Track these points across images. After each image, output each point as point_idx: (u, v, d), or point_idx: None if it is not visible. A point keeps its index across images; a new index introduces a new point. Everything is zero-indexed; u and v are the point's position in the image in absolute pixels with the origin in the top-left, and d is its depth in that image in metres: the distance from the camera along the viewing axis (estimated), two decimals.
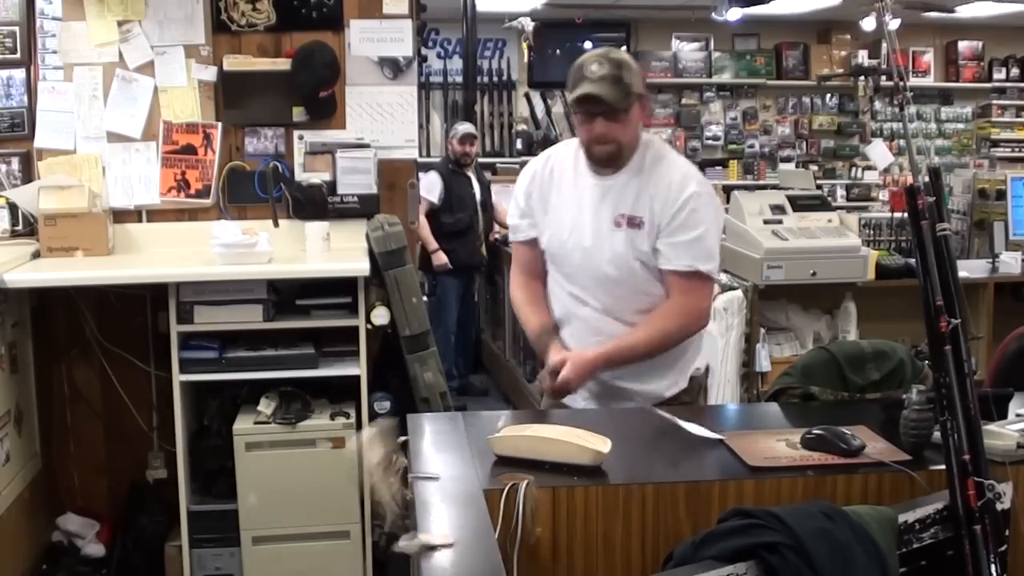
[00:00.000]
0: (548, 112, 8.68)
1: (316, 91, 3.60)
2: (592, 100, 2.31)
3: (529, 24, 8.00)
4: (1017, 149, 9.37)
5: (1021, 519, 1.81)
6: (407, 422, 2.21)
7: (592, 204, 2.44)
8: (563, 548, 1.79)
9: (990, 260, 4.70)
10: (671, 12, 8.60)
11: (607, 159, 2.40)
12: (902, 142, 8.63)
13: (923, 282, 1.81)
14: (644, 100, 2.40)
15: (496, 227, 6.38)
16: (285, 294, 3.40)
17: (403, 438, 2.02)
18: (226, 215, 3.66)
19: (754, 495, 1.82)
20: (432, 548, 1.50)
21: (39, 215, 3.42)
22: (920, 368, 2.22)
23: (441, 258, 6.12)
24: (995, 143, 9.40)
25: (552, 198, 2.50)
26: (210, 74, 3.62)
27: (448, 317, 6.32)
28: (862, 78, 8.99)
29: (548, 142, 7.57)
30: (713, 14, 7.63)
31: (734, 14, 7.23)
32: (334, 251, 3.48)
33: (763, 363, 4.10)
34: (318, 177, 3.63)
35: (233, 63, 3.62)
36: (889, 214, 5.20)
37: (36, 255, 3.41)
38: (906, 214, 2.05)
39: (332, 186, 3.62)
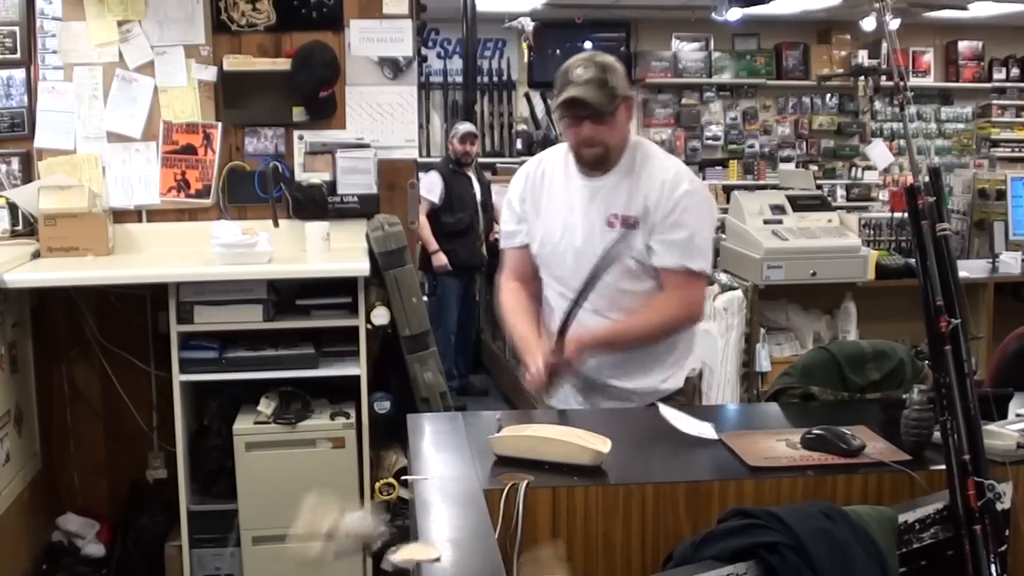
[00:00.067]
0: (548, 112, 8.66)
1: (316, 91, 3.60)
2: (578, 104, 2.34)
3: (529, 24, 8.00)
4: (1017, 149, 9.36)
5: (1021, 519, 1.81)
6: (407, 422, 2.21)
7: (583, 205, 2.45)
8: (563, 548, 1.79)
9: (990, 260, 4.71)
10: (671, 12, 8.60)
11: (595, 162, 2.43)
12: (902, 142, 8.62)
13: (923, 282, 1.81)
14: (630, 101, 2.44)
15: (496, 227, 6.38)
16: (285, 294, 3.40)
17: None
18: (226, 215, 3.66)
19: (754, 495, 1.82)
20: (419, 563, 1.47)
21: (39, 215, 3.42)
22: (920, 368, 2.22)
23: (441, 259, 6.12)
24: (995, 143, 9.40)
25: (543, 201, 2.52)
26: (210, 74, 3.62)
27: (448, 317, 6.32)
28: (862, 78, 8.99)
29: (548, 142, 7.56)
30: (713, 14, 7.62)
31: (734, 14, 7.22)
32: (334, 251, 3.48)
33: (763, 363, 4.11)
34: (318, 177, 3.63)
35: (233, 63, 3.62)
36: (889, 214, 5.21)
37: (36, 255, 3.41)
38: (906, 214, 2.05)
39: (332, 186, 3.62)
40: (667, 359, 2.53)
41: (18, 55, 3.61)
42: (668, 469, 1.96)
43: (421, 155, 5.09)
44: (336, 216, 3.59)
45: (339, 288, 3.33)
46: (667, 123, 9.08)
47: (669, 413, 2.12)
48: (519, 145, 8.44)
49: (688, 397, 2.59)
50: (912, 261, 2.68)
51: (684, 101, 9.11)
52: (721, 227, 4.86)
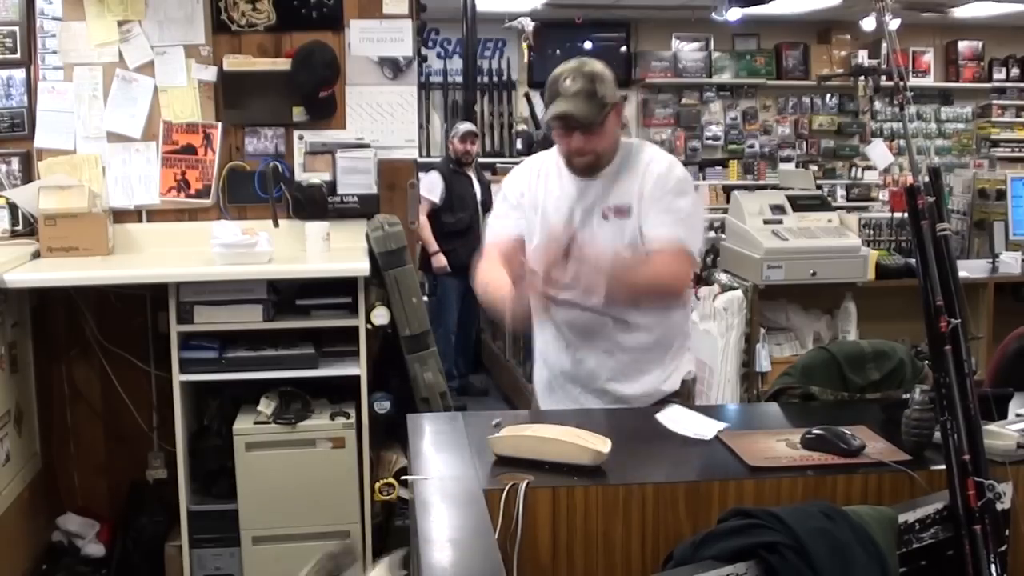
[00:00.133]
0: None
1: (316, 91, 3.60)
2: (567, 117, 2.37)
3: (529, 24, 8.00)
4: (1017, 149, 9.36)
5: (1021, 519, 1.81)
6: (407, 422, 2.21)
7: (578, 201, 2.47)
8: (563, 548, 1.79)
9: (990, 260, 4.70)
10: (671, 12, 8.60)
11: (586, 169, 2.46)
12: (902, 142, 8.61)
13: (923, 282, 1.81)
14: (620, 107, 2.46)
15: None
16: (285, 294, 3.40)
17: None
18: (226, 215, 3.66)
19: (754, 495, 1.82)
20: None
21: (39, 215, 3.42)
22: (920, 368, 2.22)
23: (440, 260, 6.12)
24: (995, 143, 9.40)
25: (540, 199, 2.54)
26: (210, 74, 3.62)
27: (448, 317, 6.31)
28: (862, 78, 8.99)
29: (548, 142, 7.50)
30: (713, 14, 7.62)
31: (734, 14, 7.22)
32: (334, 251, 3.48)
33: (763, 363, 4.10)
34: (318, 177, 3.63)
35: (233, 63, 3.62)
36: (889, 214, 5.20)
37: (36, 255, 3.41)
38: (906, 214, 2.05)
39: (332, 186, 3.62)
40: (664, 359, 2.53)
41: (18, 55, 3.61)
42: (668, 469, 1.96)
43: (421, 155, 5.08)
44: (336, 216, 3.59)
45: (339, 288, 3.33)
46: (667, 123, 9.07)
47: (667, 418, 2.13)
48: (519, 145, 8.44)
49: (683, 400, 2.59)
50: (912, 261, 2.68)
51: (684, 101, 9.11)
52: (721, 227, 4.87)
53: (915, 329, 2.13)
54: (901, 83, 2.31)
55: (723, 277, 4.40)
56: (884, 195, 8.94)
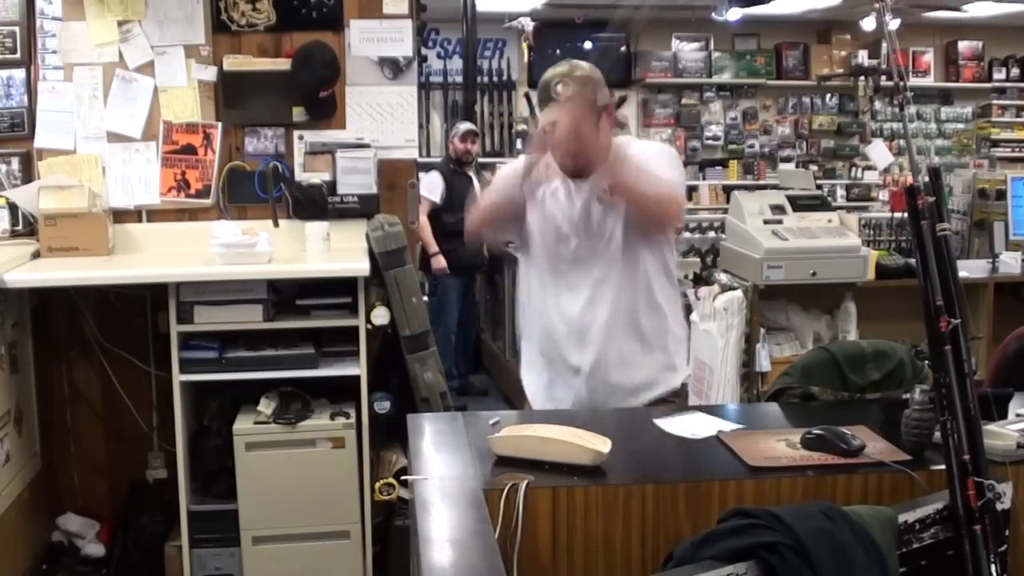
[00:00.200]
0: None
1: (316, 91, 3.60)
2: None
3: (529, 24, 8.00)
4: (1017, 149, 9.37)
5: (1021, 519, 1.81)
6: (407, 422, 2.21)
7: (575, 191, 2.49)
8: (563, 548, 1.79)
9: (990, 260, 4.70)
10: (671, 12, 8.59)
11: (578, 172, 2.46)
12: (902, 142, 8.62)
13: (923, 282, 1.80)
14: (611, 108, 2.48)
15: None
16: (285, 294, 3.40)
17: None
18: (226, 215, 3.66)
19: (754, 495, 1.82)
20: None
21: (39, 215, 3.42)
22: (920, 368, 2.22)
23: (440, 262, 6.11)
24: (995, 143, 9.41)
25: (538, 190, 2.55)
26: (210, 74, 3.63)
27: (448, 317, 6.31)
28: (862, 78, 9.00)
29: None
30: (713, 14, 7.61)
31: (734, 14, 7.22)
32: (334, 251, 3.48)
33: (763, 363, 4.10)
34: (318, 177, 3.63)
35: (233, 63, 3.62)
36: (889, 214, 5.20)
37: (36, 255, 3.41)
38: (906, 214, 2.05)
39: (332, 186, 3.62)
40: (664, 343, 2.54)
41: (18, 55, 3.61)
42: (668, 469, 1.96)
43: (421, 155, 5.08)
44: (336, 216, 3.59)
45: (339, 288, 3.33)
46: (667, 123, 9.08)
47: (667, 421, 2.14)
48: (519, 145, 8.44)
49: (682, 401, 2.60)
50: (912, 261, 2.68)
51: (684, 101, 9.11)
52: (721, 227, 4.87)
53: (915, 329, 2.13)
54: (901, 83, 2.31)
55: (723, 277, 4.39)
56: (884, 195, 8.94)
